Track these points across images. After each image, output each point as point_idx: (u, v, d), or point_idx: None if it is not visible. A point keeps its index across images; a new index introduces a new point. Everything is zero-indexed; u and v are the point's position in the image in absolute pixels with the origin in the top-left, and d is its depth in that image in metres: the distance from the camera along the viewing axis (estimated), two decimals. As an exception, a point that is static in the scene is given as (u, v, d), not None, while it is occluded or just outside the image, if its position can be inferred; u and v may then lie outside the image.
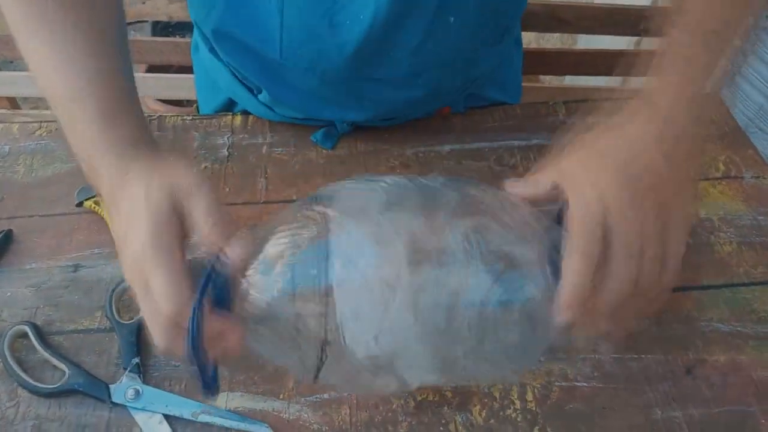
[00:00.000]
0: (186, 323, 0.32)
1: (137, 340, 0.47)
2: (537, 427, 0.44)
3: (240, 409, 0.44)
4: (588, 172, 0.36)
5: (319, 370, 0.36)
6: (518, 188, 0.38)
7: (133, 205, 0.35)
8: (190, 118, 0.65)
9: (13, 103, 1.23)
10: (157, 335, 0.34)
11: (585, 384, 0.46)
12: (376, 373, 0.36)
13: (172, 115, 0.65)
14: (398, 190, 0.37)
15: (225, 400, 0.45)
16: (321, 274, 0.34)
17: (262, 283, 0.34)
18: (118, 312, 0.48)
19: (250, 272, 0.35)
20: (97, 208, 0.55)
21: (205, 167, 0.60)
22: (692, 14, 0.40)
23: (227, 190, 0.58)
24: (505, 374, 0.42)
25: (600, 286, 0.34)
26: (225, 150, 0.62)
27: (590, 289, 0.33)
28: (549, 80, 1.51)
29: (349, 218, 0.35)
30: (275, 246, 0.35)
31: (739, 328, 0.50)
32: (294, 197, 0.58)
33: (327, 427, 0.44)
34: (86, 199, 0.56)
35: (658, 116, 0.37)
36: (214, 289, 0.34)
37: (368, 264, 0.34)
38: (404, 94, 0.56)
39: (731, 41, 0.40)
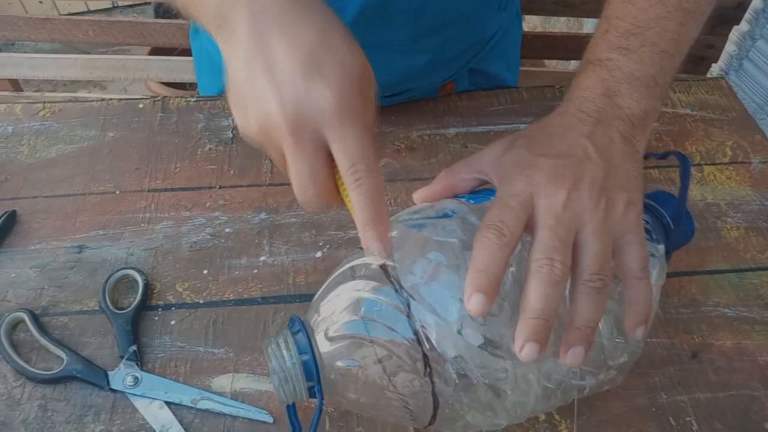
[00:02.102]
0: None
1: (133, 328, 0.47)
2: (542, 410, 0.44)
3: (246, 389, 0.44)
4: (515, 158, 0.35)
5: (434, 418, 0.35)
6: (431, 190, 0.38)
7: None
8: (195, 99, 0.64)
9: (15, 85, 1.23)
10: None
11: (590, 367, 0.46)
12: (490, 406, 0.35)
13: (176, 97, 0.64)
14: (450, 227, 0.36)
15: (231, 381, 0.45)
16: (407, 327, 0.33)
17: (349, 352, 0.34)
18: (113, 302, 0.48)
19: (331, 343, 0.35)
20: None
21: (210, 149, 0.60)
22: (611, 17, 0.42)
23: (232, 172, 0.58)
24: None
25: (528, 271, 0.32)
26: (229, 132, 0.61)
27: (500, 272, 0.31)
28: (555, 65, 1.50)
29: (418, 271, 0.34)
30: (348, 314, 0.35)
31: (745, 313, 0.49)
32: (299, 179, 0.58)
33: (332, 408, 0.44)
34: None
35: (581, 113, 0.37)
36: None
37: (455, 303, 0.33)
38: (406, 60, 0.55)
39: (653, 42, 0.40)
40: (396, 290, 0.34)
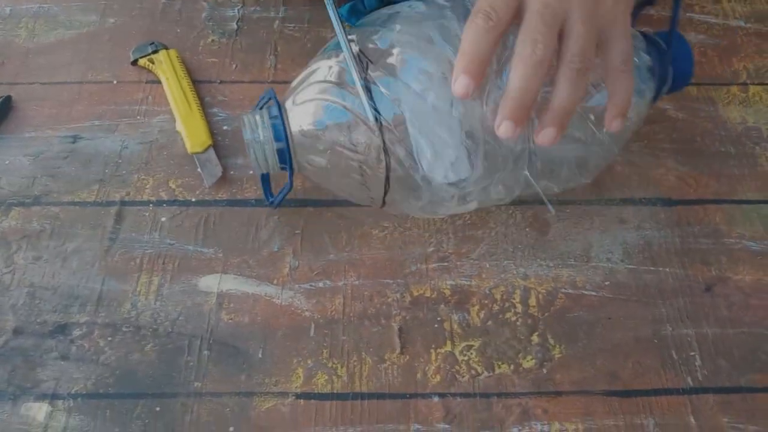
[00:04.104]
0: None
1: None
2: (536, 333, 0.42)
3: (232, 291, 0.43)
4: None
5: (385, 195, 0.39)
6: None
7: None
8: (200, -14, 0.60)
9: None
10: None
11: (593, 293, 0.44)
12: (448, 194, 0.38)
13: (180, -17, 0.60)
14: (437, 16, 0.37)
15: (218, 281, 0.44)
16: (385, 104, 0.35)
17: (319, 113, 0.37)
18: None
19: (302, 99, 0.38)
20: (151, 66, 0.53)
21: (212, 40, 0.56)
22: None
23: (234, 66, 0.55)
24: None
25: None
26: (234, 23, 0.58)
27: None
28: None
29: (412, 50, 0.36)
30: (325, 77, 0.38)
31: (771, 248, 0.46)
32: (303, 78, 0.54)
33: (319, 315, 0.43)
34: (141, 57, 0.54)
35: None
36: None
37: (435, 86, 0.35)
38: None
39: None
40: (365, 69, 0.36)
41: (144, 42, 0.55)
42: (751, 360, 0.41)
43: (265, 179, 0.44)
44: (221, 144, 0.50)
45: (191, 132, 0.50)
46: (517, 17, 0.33)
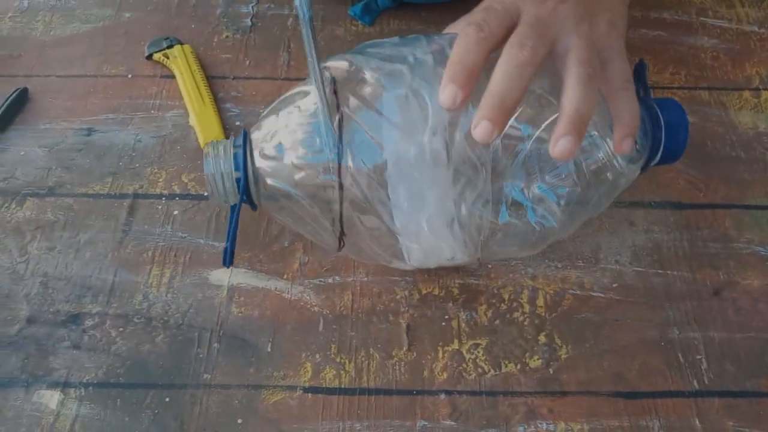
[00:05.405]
0: None
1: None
2: (543, 333, 0.42)
3: (243, 284, 0.44)
4: None
5: (341, 242, 0.37)
6: None
7: None
8: (215, -18, 0.61)
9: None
10: None
11: (601, 294, 0.44)
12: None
13: (195, -21, 0.61)
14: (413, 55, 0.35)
15: (228, 275, 0.44)
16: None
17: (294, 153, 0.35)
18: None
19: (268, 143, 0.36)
20: (166, 60, 0.54)
21: (227, 36, 0.57)
22: None
23: (247, 62, 0.55)
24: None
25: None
26: (249, 19, 0.58)
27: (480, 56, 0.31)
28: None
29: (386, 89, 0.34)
30: (294, 121, 0.35)
31: (780, 254, 0.46)
32: (316, 75, 0.55)
33: (328, 311, 0.43)
34: (156, 52, 0.55)
35: None
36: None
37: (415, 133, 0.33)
38: None
39: None
40: (332, 112, 0.34)
41: (159, 37, 0.56)
42: (758, 364, 0.41)
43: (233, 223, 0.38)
44: (234, 139, 0.51)
45: (204, 127, 0.50)
46: (509, 35, 0.32)
